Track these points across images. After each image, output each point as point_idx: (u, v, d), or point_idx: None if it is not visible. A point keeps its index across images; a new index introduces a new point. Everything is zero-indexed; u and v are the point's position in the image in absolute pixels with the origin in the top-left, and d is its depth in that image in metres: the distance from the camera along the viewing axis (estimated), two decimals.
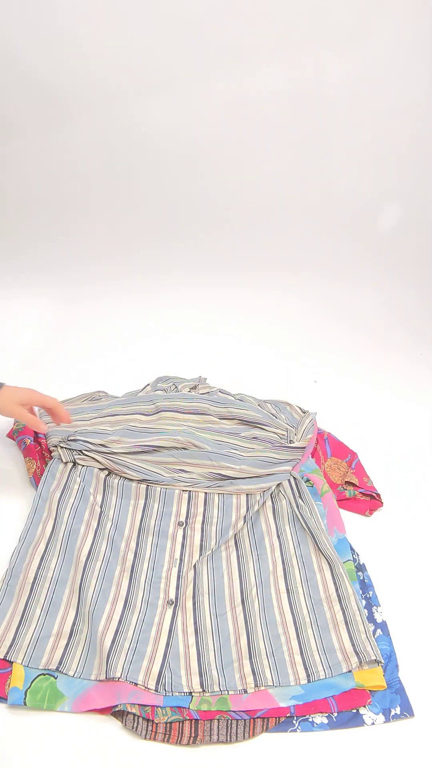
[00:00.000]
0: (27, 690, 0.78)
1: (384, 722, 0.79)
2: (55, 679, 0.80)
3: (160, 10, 1.48)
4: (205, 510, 1.04)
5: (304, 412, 1.27)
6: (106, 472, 1.09)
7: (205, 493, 1.07)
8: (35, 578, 0.89)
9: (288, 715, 0.78)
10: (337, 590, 0.91)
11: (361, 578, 0.96)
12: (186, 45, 1.53)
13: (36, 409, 1.13)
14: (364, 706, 0.80)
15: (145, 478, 1.07)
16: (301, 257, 1.83)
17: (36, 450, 1.14)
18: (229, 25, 1.51)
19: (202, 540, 0.99)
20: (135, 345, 1.54)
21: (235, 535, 1.00)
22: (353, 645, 0.84)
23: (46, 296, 1.68)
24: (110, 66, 1.55)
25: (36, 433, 1.17)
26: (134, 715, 0.77)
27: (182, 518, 1.02)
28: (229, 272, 1.79)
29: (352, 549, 1.00)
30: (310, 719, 0.79)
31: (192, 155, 1.70)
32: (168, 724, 0.77)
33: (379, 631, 0.88)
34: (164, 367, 1.42)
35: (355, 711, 0.80)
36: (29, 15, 1.46)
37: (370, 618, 0.91)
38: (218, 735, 0.76)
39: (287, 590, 0.92)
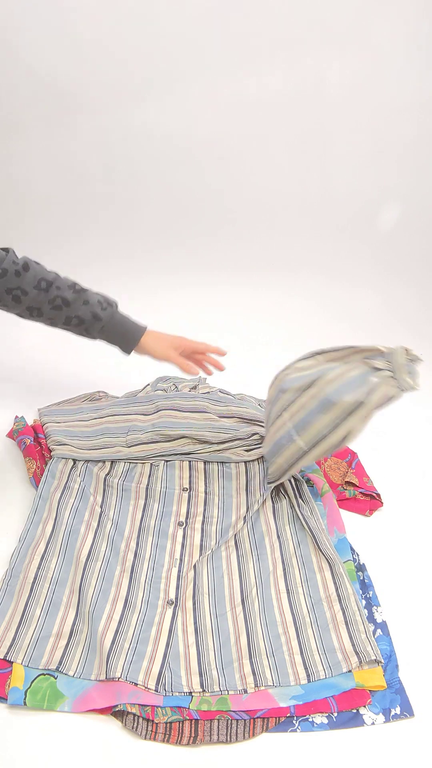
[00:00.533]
0: (27, 690, 0.78)
1: (384, 722, 0.79)
2: (55, 679, 0.80)
3: (162, 12, 1.48)
4: (205, 510, 1.04)
5: None
6: (106, 470, 1.09)
7: (205, 493, 1.07)
8: (35, 578, 0.89)
9: (288, 715, 0.78)
10: (337, 590, 0.91)
11: (361, 578, 0.96)
12: (187, 47, 1.53)
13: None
14: (364, 706, 0.80)
15: (149, 456, 1.11)
16: (301, 257, 1.83)
17: (36, 450, 1.14)
18: (231, 25, 1.51)
19: (202, 540, 0.99)
20: None
21: (235, 535, 1.00)
22: (353, 645, 0.84)
23: None
24: (111, 68, 1.55)
25: (36, 433, 1.17)
26: (134, 715, 0.77)
27: (182, 518, 1.02)
28: (229, 272, 1.79)
29: (352, 549, 1.00)
30: (310, 719, 0.79)
31: (192, 156, 1.70)
32: (168, 724, 0.77)
33: (379, 631, 0.88)
34: (164, 368, 1.42)
35: (355, 711, 0.79)
36: (34, 17, 1.46)
37: (370, 618, 0.91)
38: (218, 735, 0.76)
39: (287, 590, 0.92)
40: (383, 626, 0.89)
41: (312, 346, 1.60)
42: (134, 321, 1.03)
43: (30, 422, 1.22)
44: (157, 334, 1.04)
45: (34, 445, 1.15)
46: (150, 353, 1.05)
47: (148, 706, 0.77)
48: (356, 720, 0.79)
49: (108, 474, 1.08)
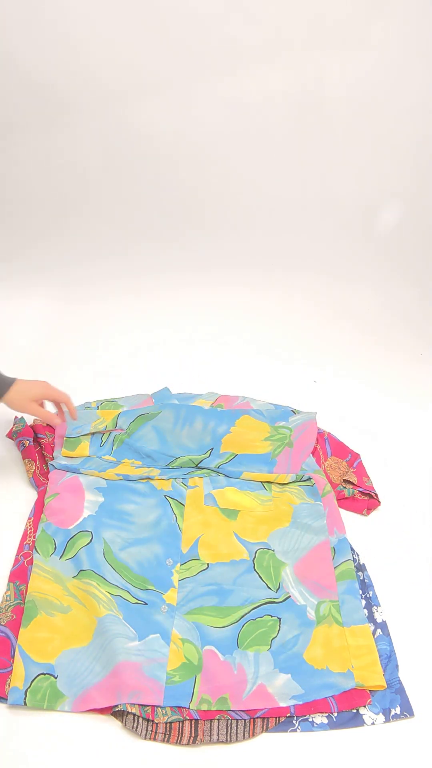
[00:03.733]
0: (27, 690, 0.78)
1: (384, 722, 0.79)
2: (55, 678, 0.80)
3: (160, 12, 1.48)
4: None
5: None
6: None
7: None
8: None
9: (288, 715, 0.78)
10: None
11: (361, 578, 0.96)
12: (186, 46, 1.53)
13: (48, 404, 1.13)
14: (364, 706, 0.80)
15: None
16: (300, 257, 1.83)
17: (36, 450, 1.14)
18: (230, 26, 1.51)
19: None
20: (134, 346, 1.53)
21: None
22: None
23: (46, 297, 1.68)
24: (109, 67, 1.55)
25: (36, 434, 1.17)
26: (134, 715, 0.77)
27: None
28: (228, 272, 1.79)
29: (352, 549, 1.00)
30: (310, 719, 0.79)
31: (191, 156, 1.69)
32: (168, 724, 0.77)
33: (379, 631, 0.88)
34: (164, 368, 1.42)
35: (355, 711, 0.80)
36: (29, 16, 1.46)
37: (370, 618, 0.91)
38: (218, 735, 0.76)
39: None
40: (383, 626, 0.89)
41: (312, 346, 1.61)
42: (2, 374, 1.01)
43: (30, 423, 1.21)
44: (22, 386, 1.01)
45: (34, 446, 1.15)
46: (9, 405, 1.02)
47: (148, 706, 0.77)
48: (356, 720, 0.79)
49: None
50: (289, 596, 0.92)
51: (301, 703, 0.79)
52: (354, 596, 0.92)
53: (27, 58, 1.52)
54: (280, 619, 0.89)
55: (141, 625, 0.87)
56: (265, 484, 1.11)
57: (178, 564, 0.96)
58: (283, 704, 0.79)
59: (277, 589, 0.93)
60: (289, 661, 0.84)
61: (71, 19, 1.48)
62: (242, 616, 0.89)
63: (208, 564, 0.96)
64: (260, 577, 0.95)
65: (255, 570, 0.96)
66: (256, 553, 0.99)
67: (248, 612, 0.90)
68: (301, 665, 0.83)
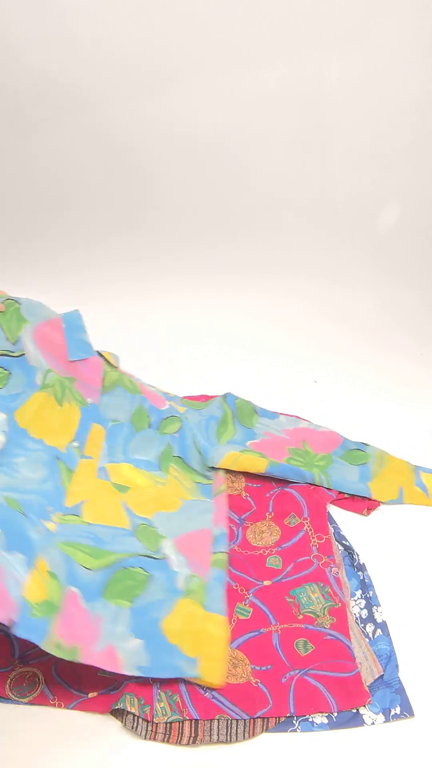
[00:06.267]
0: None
1: (384, 722, 0.79)
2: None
3: (161, 10, 1.48)
4: None
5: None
6: None
7: None
8: None
9: (288, 714, 0.78)
10: None
11: (361, 578, 0.96)
12: (186, 46, 1.53)
13: None
14: (364, 706, 0.80)
15: None
16: (300, 259, 1.83)
17: None
18: (230, 25, 1.51)
19: None
20: (133, 348, 1.53)
21: None
22: None
23: (45, 300, 1.68)
24: (111, 68, 1.55)
25: None
26: (134, 715, 0.77)
27: None
28: (227, 275, 1.79)
29: (352, 549, 1.00)
30: (310, 719, 0.79)
31: (191, 156, 1.70)
32: (168, 724, 0.77)
33: (379, 631, 0.88)
34: (163, 370, 1.42)
35: (355, 711, 0.80)
36: (31, 14, 1.46)
37: (370, 618, 0.91)
38: (218, 735, 0.76)
39: None
40: (383, 626, 0.89)
41: (312, 348, 1.61)
42: None
43: None
44: None
45: None
46: None
47: (147, 706, 0.77)
48: (356, 720, 0.79)
49: None
50: (166, 558, 0.91)
51: (143, 675, 0.78)
52: (220, 586, 0.91)
53: (29, 58, 1.52)
54: (151, 576, 0.88)
55: (12, 534, 0.82)
56: (163, 466, 1.09)
57: (60, 513, 0.93)
58: (127, 672, 0.78)
59: (156, 552, 0.92)
60: (146, 627, 0.83)
61: (74, 17, 1.48)
62: (116, 561, 0.87)
63: (88, 523, 0.94)
64: (139, 540, 0.94)
65: (135, 536, 0.95)
66: (138, 525, 0.97)
67: (123, 558, 0.88)
68: (156, 635, 0.82)
